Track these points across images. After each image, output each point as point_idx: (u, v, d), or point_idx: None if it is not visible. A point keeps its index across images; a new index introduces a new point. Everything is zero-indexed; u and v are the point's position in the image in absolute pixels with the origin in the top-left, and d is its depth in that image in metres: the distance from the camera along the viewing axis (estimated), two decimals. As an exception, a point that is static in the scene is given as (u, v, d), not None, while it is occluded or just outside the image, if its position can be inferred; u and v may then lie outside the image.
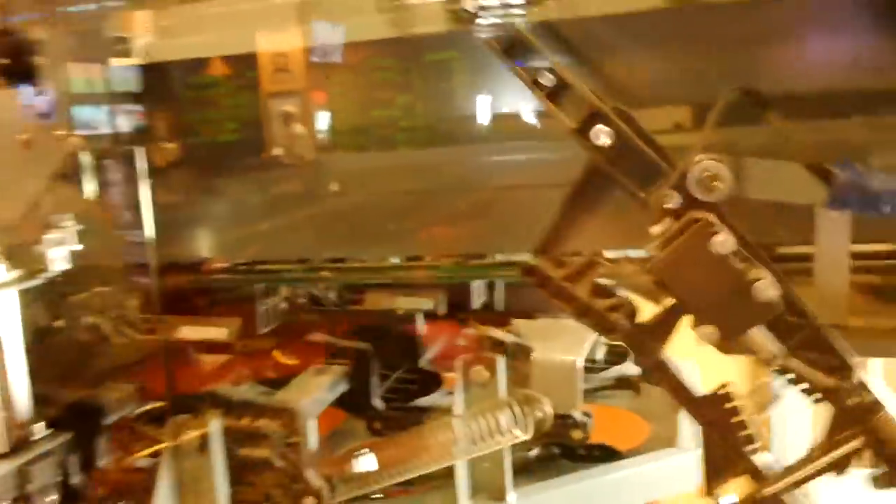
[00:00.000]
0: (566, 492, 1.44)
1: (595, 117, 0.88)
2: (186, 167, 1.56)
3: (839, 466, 0.89)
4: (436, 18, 1.40)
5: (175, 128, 1.54)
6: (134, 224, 1.53)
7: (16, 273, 1.44)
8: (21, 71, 1.42)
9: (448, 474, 1.38)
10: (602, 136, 0.88)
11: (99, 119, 1.46)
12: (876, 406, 0.87)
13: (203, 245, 1.67)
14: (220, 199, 1.58)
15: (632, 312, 0.93)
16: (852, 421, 0.88)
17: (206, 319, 1.73)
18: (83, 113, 1.44)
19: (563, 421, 1.35)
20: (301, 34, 1.43)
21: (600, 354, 1.62)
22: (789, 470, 0.91)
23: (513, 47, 0.93)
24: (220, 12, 1.51)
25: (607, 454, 1.52)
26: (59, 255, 1.48)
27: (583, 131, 0.89)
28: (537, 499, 1.42)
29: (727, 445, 0.92)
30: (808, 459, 0.91)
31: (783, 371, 0.90)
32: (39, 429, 1.49)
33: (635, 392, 1.67)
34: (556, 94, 0.92)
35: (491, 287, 1.79)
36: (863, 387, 0.88)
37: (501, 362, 1.37)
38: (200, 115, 1.53)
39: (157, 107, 1.54)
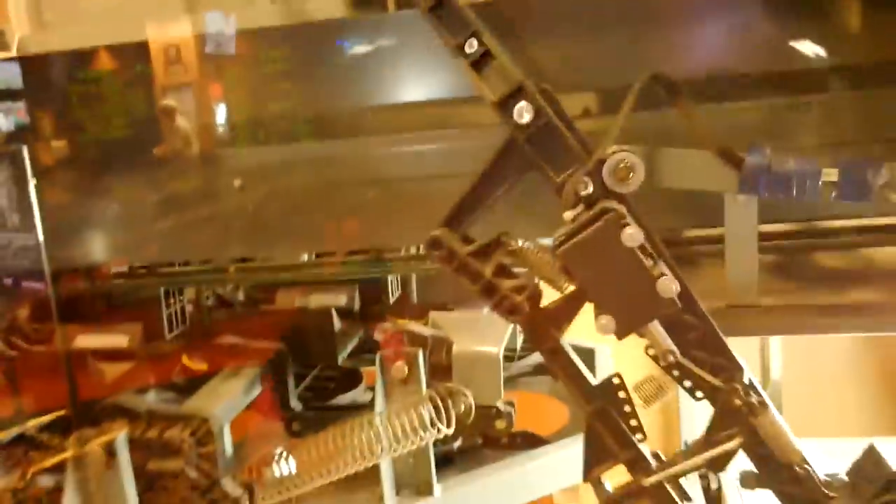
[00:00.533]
0: (492, 481, 1.43)
1: (519, 93, 0.86)
2: (77, 166, 1.48)
3: (717, 464, 0.92)
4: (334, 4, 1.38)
5: (62, 125, 1.46)
6: (23, 227, 1.43)
7: None
8: None
9: (373, 471, 1.36)
10: (524, 113, 0.87)
11: None
12: (758, 408, 0.89)
13: (99, 248, 1.58)
14: (115, 198, 1.49)
15: (535, 296, 0.92)
16: (733, 421, 0.90)
17: (105, 327, 1.65)
18: None
19: (487, 412, 1.32)
20: (192, 25, 1.37)
21: (519, 342, 1.63)
22: (669, 462, 0.93)
23: (439, 9, 0.90)
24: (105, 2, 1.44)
25: (531, 441, 1.53)
26: None
27: (504, 106, 0.87)
28: (463, 490, 1.41)
29: (612, 434, 0.92)
30: (689, 453, 0.93)
31: (673, 367, 0.92)
32: None
33: (554, 378, 1.67)
34: (480, 63, 0.88)
35: (405, 281, 1.79)
36: (750, 388, 0.91)
37: (420, 357, 1.36)
38: (89, 112, 1.44)
39: (42, 103, 1.45)
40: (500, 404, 1.35)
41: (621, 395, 0.93)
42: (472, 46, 0.87)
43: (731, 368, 0.92)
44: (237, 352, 1.55)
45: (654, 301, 0.84)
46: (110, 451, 1.35)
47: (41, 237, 1.42)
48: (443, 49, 1.24)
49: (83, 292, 1.78)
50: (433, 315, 1.43)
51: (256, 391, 1.52)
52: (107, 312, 1.86)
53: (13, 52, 1.55)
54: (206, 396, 1.44)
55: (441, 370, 1.38)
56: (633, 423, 0.93)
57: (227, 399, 1.42)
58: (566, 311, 0.91)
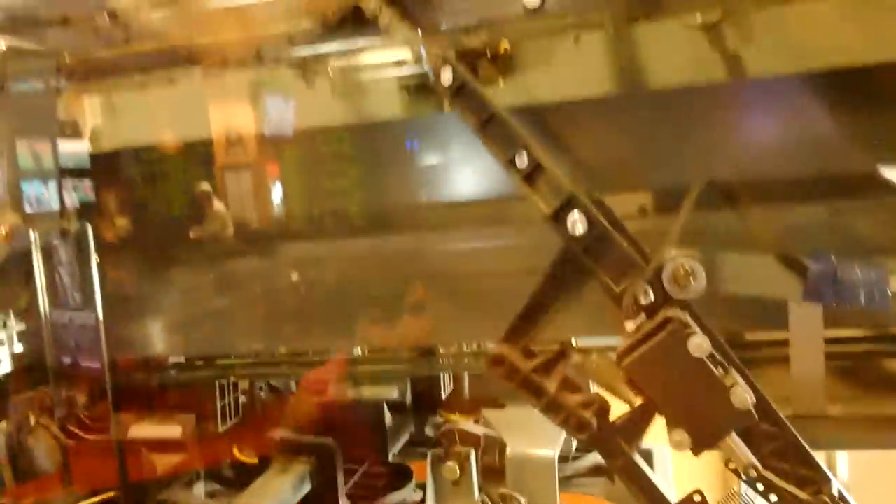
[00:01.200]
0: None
1: (571, 204, 0.86)
2: (138, 248, 1.52)
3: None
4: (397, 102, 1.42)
5: (126, 204, 1.52)
6: (84, 305, 1.46)
7: None
8: None
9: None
10: (578, 224, 0.87)
11: (46, 196, 1.41)
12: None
13: (155, 339, 1.60)
14: (174, 287, 1.53)
15: (603, 410, 0.89)
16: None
17: (159, 416, 1.65)
18: (31, 189, 1.39)
19: (541, 518, 1.28)
20: (253, 112, 1.42)
21: (573, 442, 1.57)
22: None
23: (490, 125, 0.91)
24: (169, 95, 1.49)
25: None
26: (1, 357, 1.42)
27: (558, 217, 0.88)
28: None
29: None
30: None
31: (756, 481, 0.87)
32: None
33: (609, 480, 1.61)
34: (532, 176, 0.90)
35: (457, 374, 1.76)
36: (840, 501, 0.87)
37: (473, 457, 1.32)
38: (152, 192, 1.51)
39: (107, 183, 1.51)
40: (555, 510, 1.31)
41: (702, 513, 0.89)
42: (522, 160, 0.89)
43: (817, 480, 0.88)
44: (287, 445, 1.53)
45: (730, 413, 0.81)
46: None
47: (101, 316, 1.44)
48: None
49: (138, 379, 1.80)
50: (486, 413, 1.39)
51: (306, 488, 1.49)
52: (160, 399, 1.87)
53: (85, 142, 1.64)
54: (256, 494, 1.42)
55: (494, 472, 1.34)
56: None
57: (276, 498, 1.40)
58: (636, 424, 0.88)
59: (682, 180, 1.18)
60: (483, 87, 1.32)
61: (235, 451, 1.68)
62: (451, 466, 1.31)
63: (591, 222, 0.85)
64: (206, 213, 1.48)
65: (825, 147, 1.17)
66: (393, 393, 1.56)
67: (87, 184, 1.48)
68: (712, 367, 0.80)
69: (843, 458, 2.68)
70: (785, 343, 1.15)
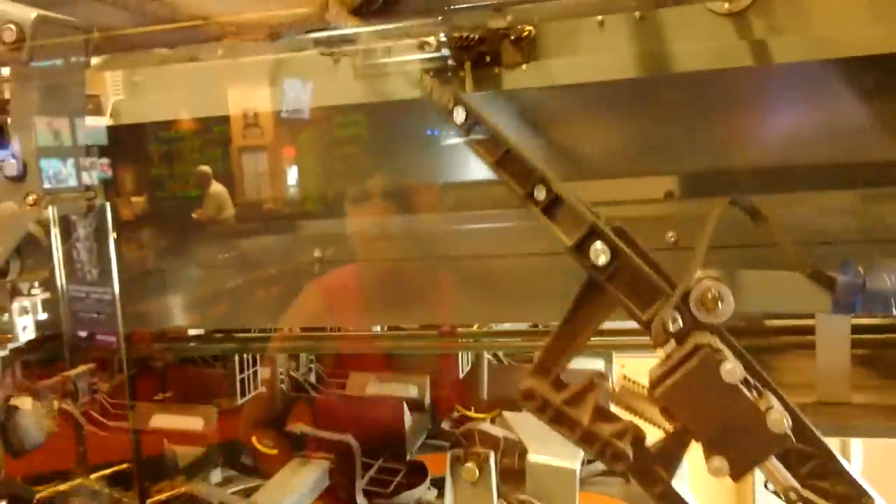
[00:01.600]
0: None
1: (592, 234, 0.84)
2: (154, 224, 1.51)
3: None
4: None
5: (143, 183, 1.50)
6: (100, 281, 1.45)
7: None
8: None
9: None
10: (600, 255, 0.85)
11: (65, 173, 1.39)
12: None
13: (171, 311, 1.59)
14: (190, 262, 1.49)
15: (638, 438, 0.88)
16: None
17: (180, 407, 1.67)
18: (50, 167, 1.38)
19: (559, 526, 1.28)
20: (271, 93, 1.40)
21: None
22: None
23: (506, 160, 0.90)
24: (190, 70, 1.47)
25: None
26: (25, 324, 1.39)
27: (580, 249, 0.86)
28: None
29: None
30: None
31: (797, 502, 0.87)
32: None
33: (625, 480, 1.59)
34: (551, 208, 0.88)
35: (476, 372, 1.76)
36: None
37: (492, 459, 1.32)
38: (169, 170, 1.48)
39: (125, 161, 1.49)
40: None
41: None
42: (540, 193, 0.87)
43: (856, 496, 0.86)
44: (306, 441, 1.54)
45: (767, 437, 0.78)
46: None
47: (117, 291, 1.44)
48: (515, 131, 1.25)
49: (155, 352, 1.81)
50: (506, 415, 1.40)
51: (325, 485, 1.51)
52: (178, 372, 1.89)
53: (107, 118, 1.63)
54: (276, 489, 1.44)
55: (513, 475, 1.34)
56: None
57: (296, 493, 1.42)
58: (673, 451, 0.85)
59: (708, 165, 1.18)
60: (506, 71, 1.33)
61: (255, 440, 1.70)
62: (470, 468, 1.31)
63: (613, 252, 0.83)
64: (204, 195, 1.47)
65: (856, 134, 1.14)
66: (413, 391, 1.57)
67: (104, 161, 1.46)
68: (746, 391, 0.79)
69: (857, 447, 2.68)
70: (810, 329, 1.14)
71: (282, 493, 1.39)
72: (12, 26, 1.18)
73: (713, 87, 1.18)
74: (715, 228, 0.94)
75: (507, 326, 1.63)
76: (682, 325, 0.81)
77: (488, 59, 1.31)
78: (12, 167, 1.22)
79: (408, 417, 1.52)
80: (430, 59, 1.36)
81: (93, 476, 2.00)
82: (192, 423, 1.59)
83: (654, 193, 1.24)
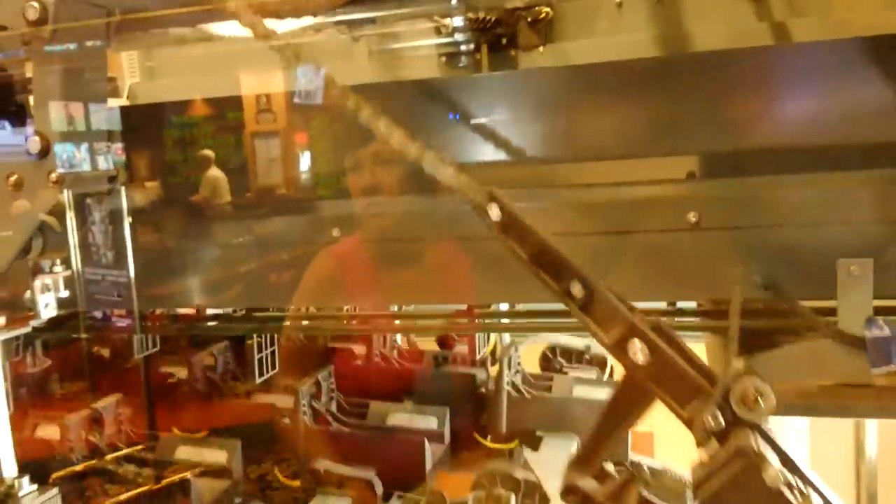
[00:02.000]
0: None
1: (631, 332, 0.83)
2: (168, 208, 1.48)
3: None
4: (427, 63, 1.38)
5: (157, 167, 1.48)
6: (116, 264, 1.44)
7: None
8: (9, 109, 1.34)
9: None
10: (639, 353, 0.84)
11: (81, 158, 1.35)
12: None
13: (187, 291, 1.58)
14: (204, 242, 1.47)
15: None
16: None
17: (205, 440, 1.67)
18: (66, 151, 1.35)
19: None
20: (284, 77, 1.37)
21: None
22: None
23: (541, 259, 0.88)
24: (206, 54, 1.45)
25: None
26: (47, 301, 1.41)
27: (619, 347, 0.85)
28: None
29: None
30: None
31: None
32: (24, 484, 1.38)
33: None
34: (588, 305, 0.85)
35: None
36: None
37: (514, 501, 1.32)
38: (182, 155, 1.46)
39: (138, 146, 1.46)
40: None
41: None
42: (577, 290, 0.85)
43: None
44: (330, 477, 1.54)
45: None
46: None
47: (132, 274, 1.43)
48: (531, 112, 1.23)
49: (170, 331, 1.80)
50: (526, 454, 1.40)
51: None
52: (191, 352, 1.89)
53: (123, 100, 1.59)
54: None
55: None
56: None
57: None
58: None
59: (729, 146, 1.17)
60: (523, 53, 1.29)
61: (277, 473, 1.71)
62: (492, 512, 1.32)
63: (652, 350, 0.83)
64: (203, 178, 1.45)
65: (879, 114, 1.11)
66: (433, 423, 1.57)
67: (118, 145, 1.42)
68: (789, 493, 0.79)
69: (872, 437, 2.71)
70: (831, 311, 1.12)
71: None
72: (35, 4, 1.18)
73: (734, 65, 1.17)
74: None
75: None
76: (723, 423, 0.81)
77: (505, 40, 1.29)
78: (35, 144, 1.21)
79: (428, 453, 1.53)
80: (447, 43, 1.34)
81: (108, 457, 2.02)
82: (216, 456, 1.59)
83: (675, 174, 1.22)
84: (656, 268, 1.18)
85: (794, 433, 2.95)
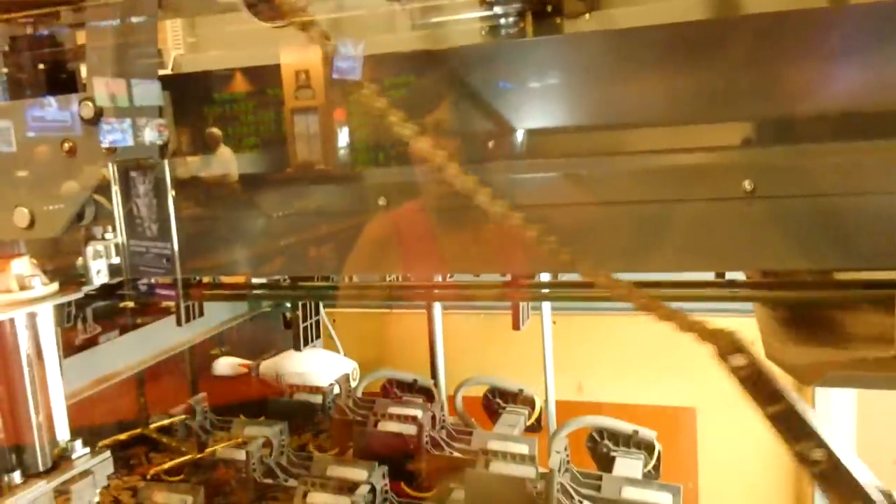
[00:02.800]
0: None
1: None
2: (211, 182, 1.60)
3: None
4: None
5: (200, 141, 1.59)
6: (160, 237, 1.55)
7: (53, 286, 1.51)
8: (64, 78, 1.49)
9: None
10: None
11: (126, 131, 1.46)
12: None
13: (231, 260, 1.66)
14: (248, 212, 1.61)
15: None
16: None
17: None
18: (111, 124, 1.42)
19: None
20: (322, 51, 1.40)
21: None
22: None
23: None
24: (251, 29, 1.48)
25: None
26: (99, 268, 1.54)
27: None
28: None
29: None
30: None
31: None
32: (77, 447, 1.56)
33: None
34: (826, 473, 0.92)
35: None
36: None
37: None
38: (223, 130, 1.57)
39: (182, 120, 1.58)
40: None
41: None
42: (818, 455, 0.93)
43: None
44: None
45: None
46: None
47: (176, 247, 1.54)
48: (579, 76, 1.26)
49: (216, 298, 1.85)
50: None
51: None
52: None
53: (168, 70, 1.68)
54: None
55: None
56: None
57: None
58: None
59: (785, 111, 1.23)
60: (568, 20, 1.27)
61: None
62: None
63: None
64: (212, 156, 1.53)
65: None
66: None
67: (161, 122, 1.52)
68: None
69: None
70: (883, 283, 1.18)
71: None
72: (88, -31, 1.18)
73: (790, 29, 1.19)
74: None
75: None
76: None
77: (549, 8, 1.35)
78: (89, 109, 1.35)
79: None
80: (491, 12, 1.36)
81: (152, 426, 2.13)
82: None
83: (730, 140, 1.26)
84: (708, 237, 1.16)
85: (841, 415, 2.91)
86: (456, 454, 2.15)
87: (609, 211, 1.26)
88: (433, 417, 2.30)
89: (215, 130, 1.54)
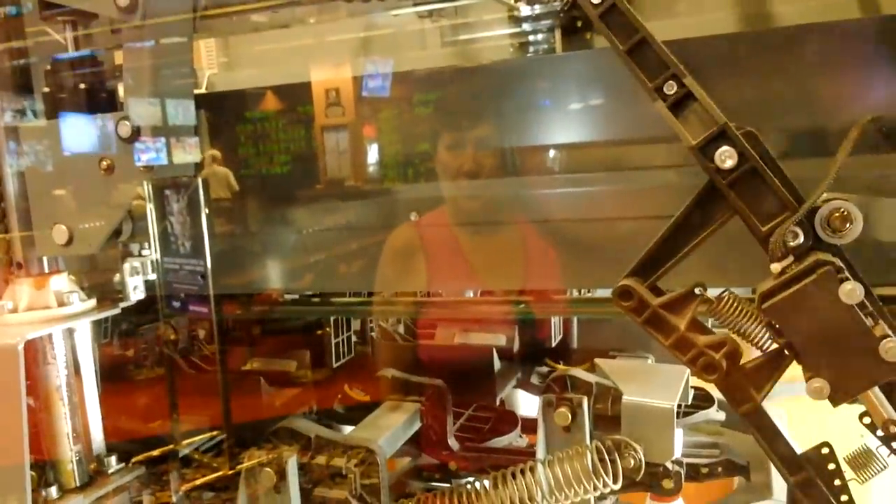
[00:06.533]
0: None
1: (721, 137, 0.82)
2: (243, 198, 1.53)
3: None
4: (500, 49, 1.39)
5: (232, 159, 1.52)
6: (193, 254, 1.50)
7: (91, 302, 1.42)
8: (102, 98, 1.42)
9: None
10: (726, 158, 0.83)
11: (161, 149, 1.42)
12: None
13: (267, 276, 1.64)
14: (280, 229, 1.52)
15: (734, 354, 0.86)
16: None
17: (274, 352, 1.71)
18: (146, 143, 1.41)
19: (654, 469, 1.25)
20: (353, 69, 1.39)
21: (688, 398, 1.48)
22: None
23: (637, 51, 0.87)
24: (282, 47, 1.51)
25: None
26: (136, 284, 1.48)
27: (705, 150, 0.83)
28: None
29: (820, 508, 0.84)
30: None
31: (893, 439, 0.83)
32: (112, 462, 1.49)
33: (746, 479, 1.48)
34: (679, 105, 0.85)
35: (566, 324, 1.74)
36: None
37: (585, 404, 1.31)
38: (255, 149, 1.50)
39: (215, 139, 1.52)
40: (668, 463, 1.28)
41: (831, 466, 0.85)
42: (671, 88, 0.85)
43: None
44: (398, 385, 1.57)
45: (876, 365, 0.77)
46: (281, 473, 1.41)
47: (209, 264, 1.48)
48: (608, 91, 1.21)
49: (248, 317, 1.85)
50: (598, 362, 1.38)
51: (416, 426, 1.55)
52: (266, 339, 1.94)
53: (202, 89, 1.69)
54: (370, 428, 1.48)
55: (606, 421, 1.33)
56: (845, 498, 0.85)
57: (390, 431, 1.45)
58: (768, 370, 0.84)
59: (812, 124, 1.10)
60: (598, 36, 1.28)
61: (346, 389, 1.75)
62: (563, 413, 1.31)
63: (741, 157, 0.81)
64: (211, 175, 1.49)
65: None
66: (501, 340, 1.57)
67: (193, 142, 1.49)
68: (862, 316, 0.76)
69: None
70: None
71: (376, 430, 1.44)
72: (126, -10, 1.24)
73: (822, 41, 1.09)
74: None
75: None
76: (802, 241, 0.80)
77: (579, 24, 1.30)
78: (126, 128, 1.30)
79: (497, 363, 1.53)
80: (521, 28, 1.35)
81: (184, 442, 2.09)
82: (285, 365, 1.64)
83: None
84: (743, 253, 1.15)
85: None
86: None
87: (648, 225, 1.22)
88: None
89: (215, 152, 1.51)
